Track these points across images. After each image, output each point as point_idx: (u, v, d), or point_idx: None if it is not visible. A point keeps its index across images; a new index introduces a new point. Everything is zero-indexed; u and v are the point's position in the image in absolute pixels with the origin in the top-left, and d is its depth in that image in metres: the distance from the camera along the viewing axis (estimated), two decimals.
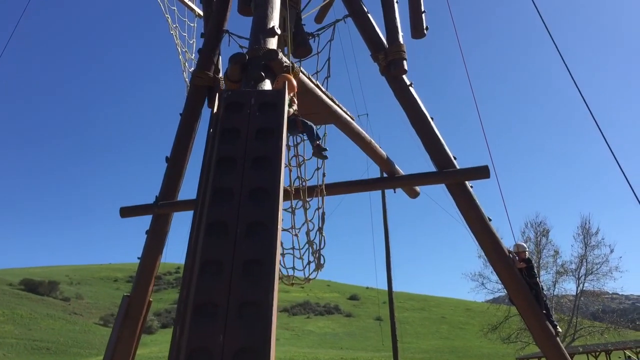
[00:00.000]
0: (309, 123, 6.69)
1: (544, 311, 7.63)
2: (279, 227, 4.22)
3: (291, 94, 6.51)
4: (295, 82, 6.67)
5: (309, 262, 7.24)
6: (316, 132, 6.84)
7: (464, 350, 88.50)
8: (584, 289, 45.62)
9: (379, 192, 47.42)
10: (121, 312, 8.33)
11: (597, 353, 43.16)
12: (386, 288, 46.65)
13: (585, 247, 45.66)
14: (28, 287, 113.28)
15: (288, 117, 6.46)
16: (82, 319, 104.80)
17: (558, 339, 7.69)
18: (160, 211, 8.30)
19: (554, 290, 45.20)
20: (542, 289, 8.35)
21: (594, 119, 7.52)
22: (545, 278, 45.15)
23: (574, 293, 46.37)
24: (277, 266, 4.02)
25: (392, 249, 45.92)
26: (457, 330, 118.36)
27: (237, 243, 4.11)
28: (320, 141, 6.93)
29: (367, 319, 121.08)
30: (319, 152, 6.86)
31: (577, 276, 45.60)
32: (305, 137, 6.94)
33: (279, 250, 4.11)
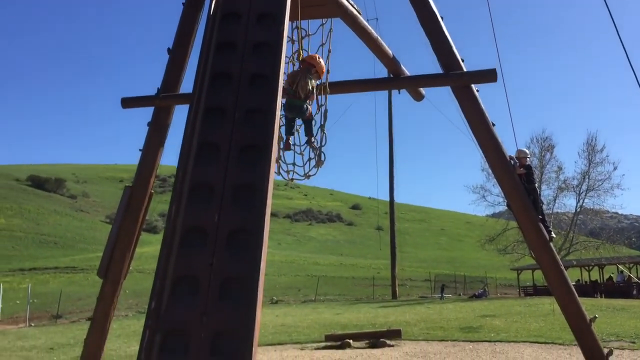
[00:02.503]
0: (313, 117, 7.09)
1: (540, 216, 7.72)
2: (277, 113, 4.18)
3: (315, 72, 6.69)
4: (323, 65, 6.88)
5: (309, 159, 7.26)
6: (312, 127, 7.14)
7: (461, 261, 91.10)
8: (584, 205, 46.13)
9: (385, 103, 46.85)
10: (123, 202, 8.46)
11: (591, 267, 44.32)
12: (388, 199, 47.37)
13: (589, 164, 45.87)
14: (35, 183, 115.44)
15: (305, 95, 6.55)
16: (88, 216, 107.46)
17: (552, 244, 7.81)
18: (161, 103, 8.23)
19: (553, 206, 45.80)
20: (540, 195, 8.42)
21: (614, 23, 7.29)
22: (546, 193, 45.67)
23: (574, 210, 47.00)
24: (274, 152, 4.01)
25: (395, 161, 46.11)
26: (456, 242, 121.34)
27: (234, 128, 4.08)
28: (314, 138, 7.20)
29: (368, 228, 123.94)
30: (311, 145, 7.20)
31: (578, 192, 46.02)
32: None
33: (276, 136, 4.09)
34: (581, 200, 46.12)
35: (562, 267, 7.77)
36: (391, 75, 8.68)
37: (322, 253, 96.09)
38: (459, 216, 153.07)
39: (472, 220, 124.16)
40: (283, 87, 6.70)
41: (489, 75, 7.52)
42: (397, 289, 44.11)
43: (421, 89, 9.13)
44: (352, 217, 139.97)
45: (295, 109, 6.70)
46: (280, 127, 6.89)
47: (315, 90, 6.76)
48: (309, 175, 7.25)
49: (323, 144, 7.18)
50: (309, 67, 6.67)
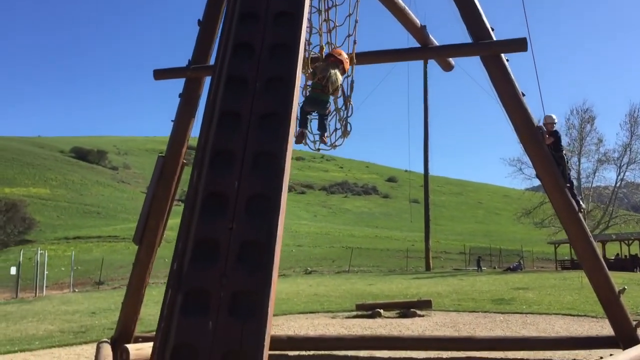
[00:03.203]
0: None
1: (568, 185, 7.66)
2: (297, 82, 4.25)
3: (342, 68, 6.69)
4: (348, 61, 6.89)
5: (335, 129, 7.33)
6: (326, 123, 7.15)
7: (498, 235, 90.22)
8: (625, 178, 45.11)
9: (420, 74, 46.40)
10: (156, 171, 8.68)
11: (631, 241, 43.35)
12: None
13: (631, 136, 44.76)
14: (78, 155, 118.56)
15: (333, 90, 6.57)
16: (129, 187, 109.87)
17: (581, 215, 7.74)
18: (192, 74, 8.36)
19: (593, 179, 44.89)
20: (568, 162, 8.31)
21: None
22: (585, 166, 44.77)
23: (614, 184, 45.97)
24: (293, 119, 4.11)
25: (432, 134, 45.61)
26: (493, 215, 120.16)
27: (255, 96, 4.18)
28: (327, 134, 7.24)
29: (403, 201, 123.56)
30: (321, 139, 7.22)
31: (618, 165, 44.97)
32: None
33: (296, 104, 4.18)
34: (622, 174, 45.08)
35: (591, 238, 7.71)
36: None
37: (357, 225, 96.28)
38: (496, 189, 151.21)
39: (509, 193, 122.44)
40: (309, 81, 6.79)
41: (519, 44, 7.40)
42: (430, 261, 44.09)
43: (450, 59, 9.04)
44: (387, 189, 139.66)
45: (319, 104, 6.73)
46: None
47: (341, 87, 6.82)
48: (335, 145, 7.34)
49: (349, 114, 7.24)
50: (337, 62, 6.69)
